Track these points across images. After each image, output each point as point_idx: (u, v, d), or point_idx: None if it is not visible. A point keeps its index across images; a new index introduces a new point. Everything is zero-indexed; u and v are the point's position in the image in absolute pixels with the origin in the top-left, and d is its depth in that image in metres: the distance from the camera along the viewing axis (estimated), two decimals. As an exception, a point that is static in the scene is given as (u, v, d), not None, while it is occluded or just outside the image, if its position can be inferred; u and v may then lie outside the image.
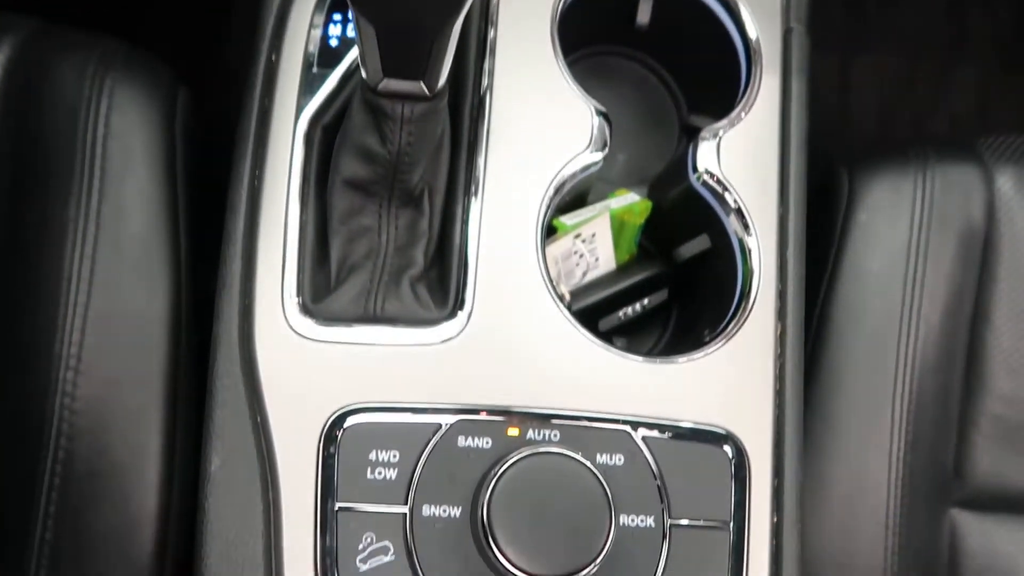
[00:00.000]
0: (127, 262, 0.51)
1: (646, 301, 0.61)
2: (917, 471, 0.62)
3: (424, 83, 0.45)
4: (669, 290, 0.62)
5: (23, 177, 0.53)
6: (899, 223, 0.64)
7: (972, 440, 0.66)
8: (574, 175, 0.52)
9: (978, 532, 0.66)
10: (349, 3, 0.41)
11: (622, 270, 0.60)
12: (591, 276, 0.59)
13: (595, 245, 0.58)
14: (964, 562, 0.66)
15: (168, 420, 0.50)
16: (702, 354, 0.50)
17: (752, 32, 0.58)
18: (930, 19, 1.08)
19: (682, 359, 0.50)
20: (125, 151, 0.53)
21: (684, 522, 0.46)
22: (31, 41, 0.55)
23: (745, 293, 0.52)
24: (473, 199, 0.50)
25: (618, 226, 0.59)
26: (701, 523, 0.47)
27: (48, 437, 0.49)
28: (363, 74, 0.45)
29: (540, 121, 0.53)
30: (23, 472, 0.49)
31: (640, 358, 0.49)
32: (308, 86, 0.51)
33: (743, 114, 0.55)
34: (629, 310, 0.61)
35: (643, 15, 0.63)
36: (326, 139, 0.51)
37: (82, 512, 0.49)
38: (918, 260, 0.64)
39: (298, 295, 0.47)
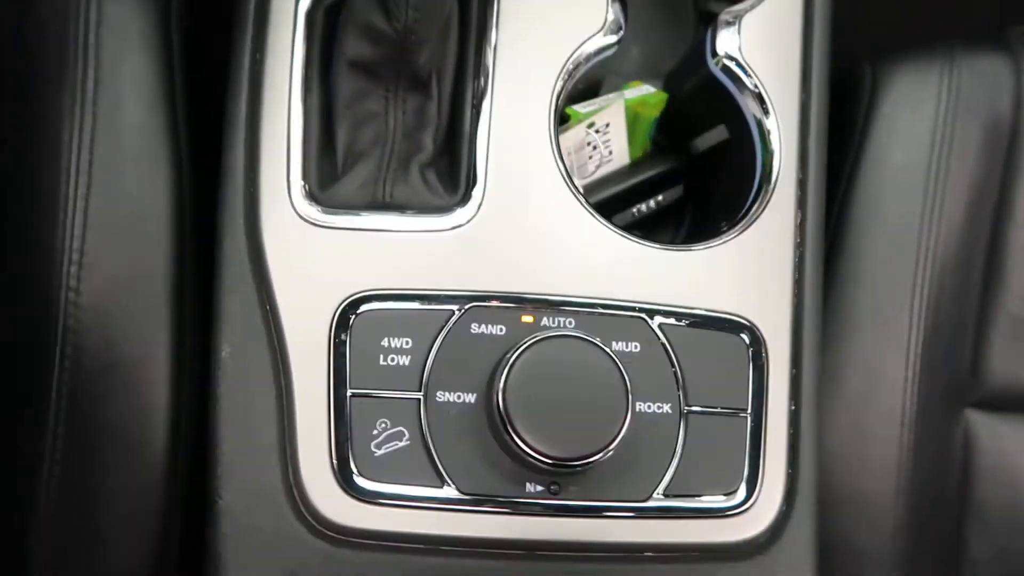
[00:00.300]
0: (127, 153, 0.50)
1: (660, 197, 0.59)
2: (933, 370, 0.62)
3: None
4: (684, 186, 0.60)
5: (14, 71, 0.51)
6: (923, 114, 0.62)
7: (989, 339, 0.65)
8: (588, 58, 0.50)
9: (992, 433, 0.66)
10: None
11: (636, 165, 0.59)
12: (604, 170, 0.57)
13: (609, 136, 0.56)
14: (977, 461, 0.65)
15: (175, 313, 0.50)
16: (720, 242, 0.48)
17: None
18: None
19: (699, 247, 0.48)
20: (120, 38, 0.51)
21: (701, 409, 0.46)
22: None
23: (765, 180, 0.50)
24: (483, 83, 0.48)
25: (632, 118, 0.57)
26: (718, 410, 0.46)
27: (55, 333, 0.48)
28: None
29: (552, 3, 0.50)
30: (34, 367, 0.48)
31: (657, 245, 0.48)
32: None
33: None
34: (643, 206, 0.59)
35: None
36: (329, 20, 0.49)
37: (94, 406, 0.48)
38: (942, 153, 0.62)
39: (304, 181, 0.46)
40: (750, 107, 0.52)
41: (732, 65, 0.52)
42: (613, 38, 0.51)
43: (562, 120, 0.53)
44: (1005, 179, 0.64)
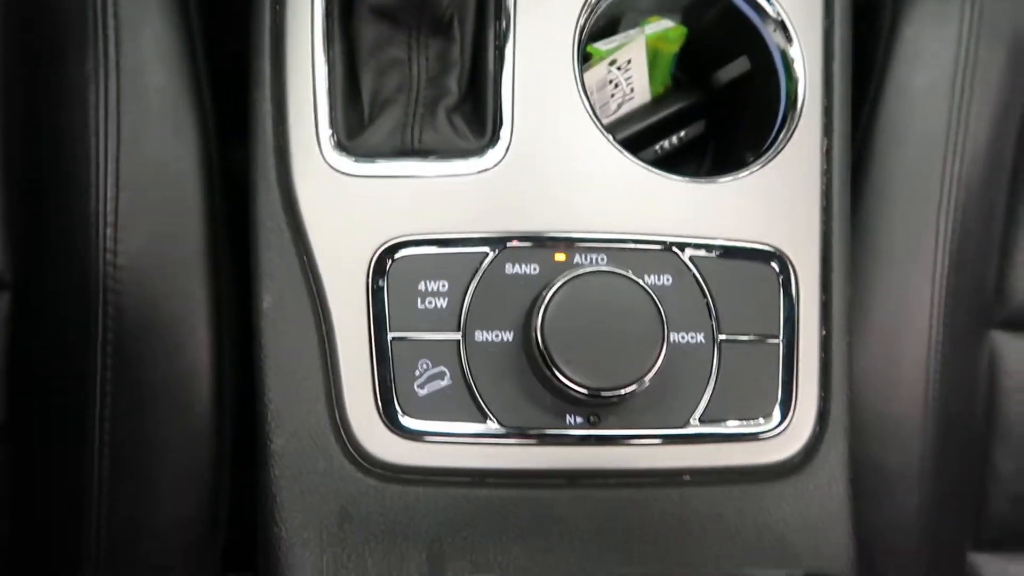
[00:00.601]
0: (153, 114, 0.50)
1: (683, 133, 0.59)
2: (959, 292, 0.62)
3: None
4: (706, 121, 0.60)
5: (36, 41, 0.51)
6: (946, 36, 0.61)
7: (1014, 259, 0.65)
8: None
9: (1017, 352, 0.67)
10: None
11: (657, 101, 0.58)
12: (626, 108, 0.57)
13: (631, 73, 0.56)
14: (1003, 381, 0.66)
15: (211, 271, 0.51)
16: (747, 172, 0.49)
17: None
18: None
19: (727, 178, 0.49)
20: (138, 2, 0.51)
21: (733, 337, 0.47)
22: None
23: (790, 108, 0.50)
24: (504, 23, 0.48)
25: (652, 55, 0.57)
26: (750, 337, 0.47)
27: (97, 295, 0.49)
28: None
29: None
30: (78, 329, 0.50)
31: (684, 178, 0.48)
32: None
33: None
34: (666, 143, 0.59)
35: None
36: None
37: (137, 365, 0.50)
38: (965, 75, 0.61)
39: (332, 132, 0.46)
40: (773, 36, 0.52)
41: None
42: None
43: (583, 59, 0.53)
44: None
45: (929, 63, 0.61)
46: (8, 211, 0.52)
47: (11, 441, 0.53)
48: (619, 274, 0.43)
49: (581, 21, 0.49)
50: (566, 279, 0.43)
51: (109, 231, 0.49)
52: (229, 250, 0.52)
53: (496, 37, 0.48)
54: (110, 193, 0.49)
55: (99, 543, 0.50)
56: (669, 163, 0.61)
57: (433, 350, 0.44)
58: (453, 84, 0.49)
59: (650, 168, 0.48)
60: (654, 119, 0.57)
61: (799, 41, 0.51)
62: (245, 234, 0.47)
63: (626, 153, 0.48)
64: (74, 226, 0.49)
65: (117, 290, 0.49)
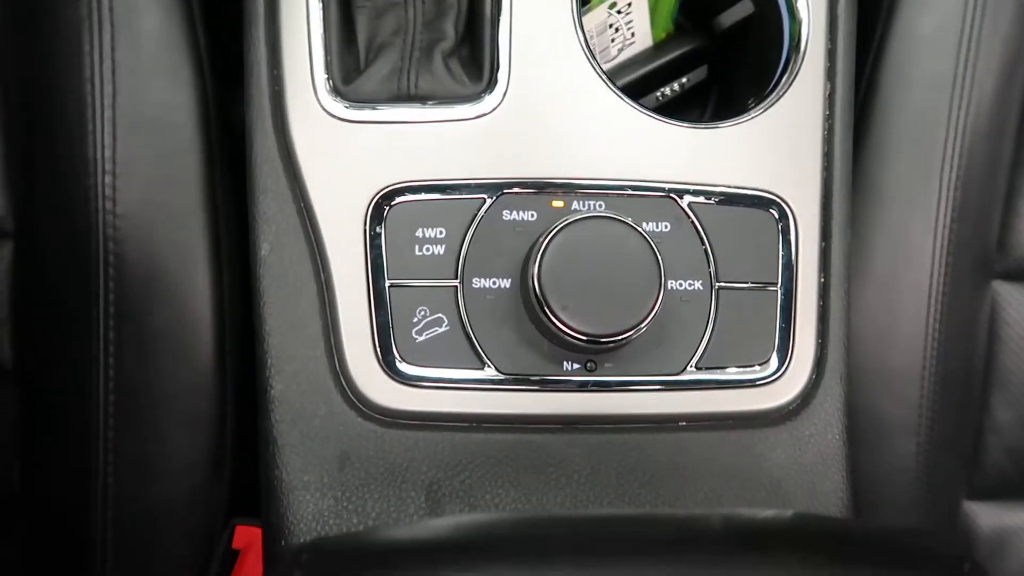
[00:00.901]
0: (147, 59, 0.49)
1: (685, 80, 0.58)
2: (962, 242, 0.62)
3: None
4: (709, 66, 0.59)
5: None
6: None
7: (1018, 210, 0.65)
8: None
9: (1018, 303, 0.67)
10: None
11: (659, 47, 0.57)
12: (627, 53, 0.56)
13: (631, 17, 0.55)
14: (1003, 332, 0.66)
15: (210, 218, 0.51)
16: (748, 118, 0.48)
17: None
18: None
19: (727, 124, 0.48)
20: None
21: (732, 284, 0.47)
22: None
23: (793, 51, 0.49)
24: None
25: (654, -2, 0.56)
26: (749, 285, 0.47)
27: (97, 243, 0.49)
28: None
29: None
30: (79, 278, 0.50)
31: (685, 124, 0.47)
32: None
33: None
34: (667, 90, 0.58)
35: None
36: None
37: (140, 314, 0.50)
38: (974, 21, 0.60)
39: (328, 76, 0.46)
40: None
41: None
42: None
43: (583, 2, 0.52)
44: None
45: (937, 7, 0.60)
46: (7, 159, 0.52)
47: (19, 386, 0.54)
48: (617, 220, 0.43)
49: None
50: (563, 225, 0.43)
51: (107, 179, 0.49)
52: (229, 198, 0.52)
53: None
54: (107, 140, 0.49)
55: (106, 485, 0.51)
56: (671, 110, 0.60)
57: (431, 297, 0.44)
58: (450, 28, 0.48)
59: (650, 114, 0.47)
60: (655, 64, 0.56)
61: None
62: (244, 182, 0.47)
63: (626, 99, 0.48)
64: (73, 174, 0.49)
65: (117, 239, 0.49)
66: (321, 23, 0.46)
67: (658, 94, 0.59)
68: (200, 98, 0.50)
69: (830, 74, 0.50)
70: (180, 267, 0.51)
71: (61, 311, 0.51)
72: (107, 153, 0.49)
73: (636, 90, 0.57)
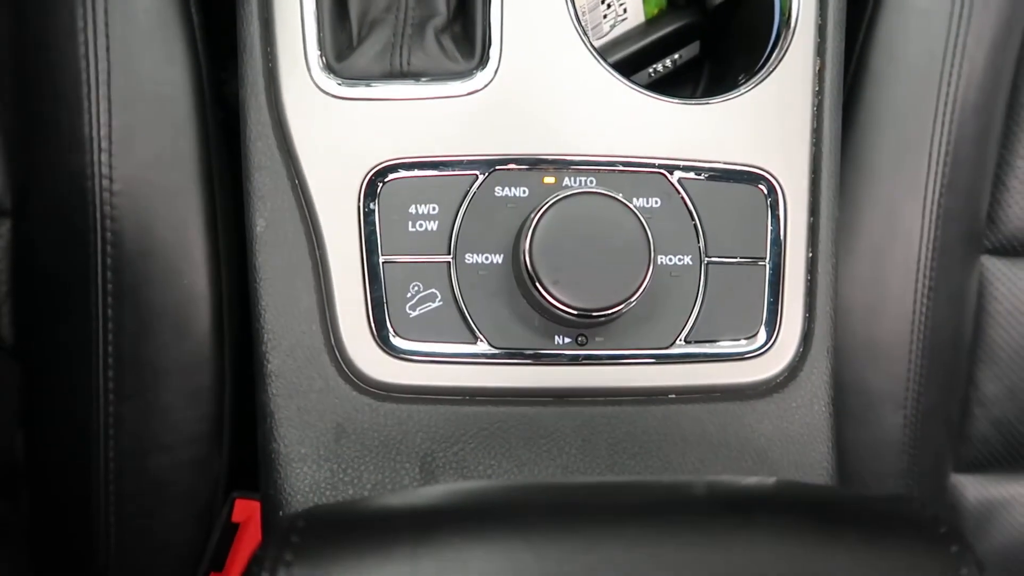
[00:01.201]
0: (142, 36, 0.50)
1: (677, 56, 0.59)
2: (951, 216, 0.62)
3: None
4: (701, 42, 0.59)
5: None
6: None
7: (1008, 184, 0.65)
8: None
9: (1007, 278, 0.67)
10: None
11: (651, 23, 0.58)
12: (619, 30, 0.57)
13: (623, -7, 0.55)
14: (991, 306, 0.67)
15: (206, 195, 0.51)
16: (738, 94, 0.48)
17: None
18: None
19: (717, 100, 0.48)
20: None
21: (721, 259, 0.47)
22: None
23: (784, 26, 0.49)
24: None
25: (646, -27, 0.56)
26: (737, 260, 0.48)
27: (94, 220, 0.50)
28: None
29: None
30: (77, 255, 0.50)
31: (676, 100, 0.48)
32: None
33: None
34: (660, 66, 0.59)
35: None
36: None
37: (138, 290, 0.51)
38: None
39: (320, 53, 0.46)
40: None
41: None
42: None
43: (575, -23, 0.52)
44: None
45: None
46: (3, 137, 0.52)
47: (20, 361, 0.54)
48: (607, 196, 0.43)
49: None
50: (554, 201, 0.43)
51: (103, 156, 0.49)
52: (224, 173, 0.52)
53: None
54: (103, 119, 0.49)
55: (107, 457, 0.52)
56: (663, 86, 0.61)
57: (424, 272, 0.45)
58: (441, 4, 0.48)
59: (640, 90, 0.48)
60: (648, 41, 0.57)
61: None
62: (239, 158, 0.48)
63: (617, 75, 0.48)
64: (70, 151, 0.50)
65: (114, 216, 0.50)
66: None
67: (650, 70, 0.59)
68: (194, 74, 0.50)
69: (820, 50, 0.50)
70: (177, 242, 0.51)
71: (60, 287, 0.52)
72: (103, 131, 0.49)
73: (628, 66, 0.58)
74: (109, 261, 0.50)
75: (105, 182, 0.49)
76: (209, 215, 0.51)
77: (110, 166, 0.49)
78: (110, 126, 0.49)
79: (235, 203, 0.49)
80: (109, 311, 0.51)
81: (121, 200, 0.50)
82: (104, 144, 0.49)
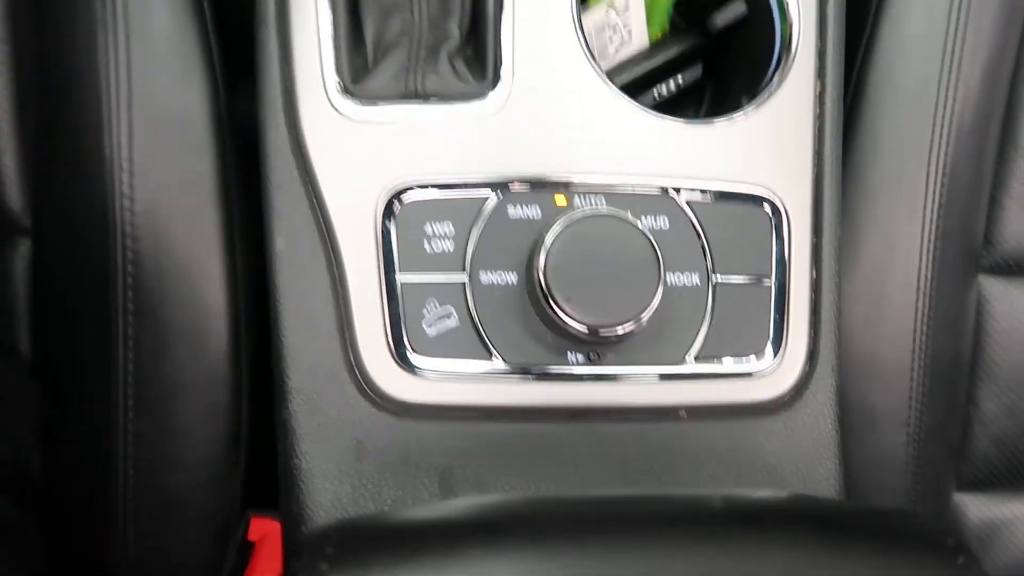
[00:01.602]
0: (162, 59, 0.51)
1: (680, 79, 0.60)
2: (949, 237, 0.64)
3: None
4: (703, 65, 0.61)
5: None
6: None
7: (1003, 204, 0.67)
8: None
9: (1004, 297, 0.68)
10: None
11: (655, 46, 0.59)
12: (623, 53, 0.58)
13: (628, 17, 0.56)
14: (989, 325, 0.68)
15: (224, 215, 0.52)
16: (742, 114, 0.50)
17: None
18: None
19: (722, 120, 0.50)
20: None
21: (728, 279, 0.48)
22: None
23: (784, 50, 0.51)
24: None
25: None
26: (744, 279, 0.49)
27: (115, 240, 0.50)
28: None
29: None
30: (98, 275, 0.51)
31: (681, 120, 0.49)
32: None
33: None
34: (664, 89, 0.60)
35: None
36: None
37: (157, 309, 0.51)
38: (959, 20, 0.62)
39: (338, 76, 0.47)
40: None
41: None
42: None
43: (581, 1, 0.53)
44: (1022, 45, 0.64)
45: (923, 7, 0.62)
46: (23, 156, 0.53)
47: (38, 378, 0.55)
48: (618, 217, 0.45)
49: None
50: (567, 223, 0.44)
51: (124, 177, 0.50)
52: (239, 193, 0.53)
53: None
54: (124, 140, 0.50)
55: (125, 475, 0.52)
56: (667, 108, 0.62)
57: (441, 291, 0.46)
58: (454, 28, 0.50)
59: (647, 110, 0.49)
60: (652, 64, 0.58)
61: None
62: (256, 178, 0.49)
63: (625, 97, 0.49)
64: (90, 171, 0.51)
65: (135, 236, 0.51)
66: (331, 23, 0.48)
67: (655, 93, 0.60)
68: (212, 96, 0.52)
69: (820, 73, 0.51)
70: (195, 263, 0.52)
71: (80, 306, 0.53)
72: (124, 152, 0.50)
73: (634, 89, 0.59)
74: (130, 281, 0.51)
75: (127, 202, 0.50)
76: (227, 235, 0.52)
77: (131, 186, 0.50)
78: (131, 147, 0.50)
79: (251, 222, 0.50)
80: (129, 329, 0.51)
81: (142, 220, 0.51)
82: (125, 165, 0.50)
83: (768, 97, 0.50)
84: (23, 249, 0.54)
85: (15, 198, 0.54)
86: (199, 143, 0.51)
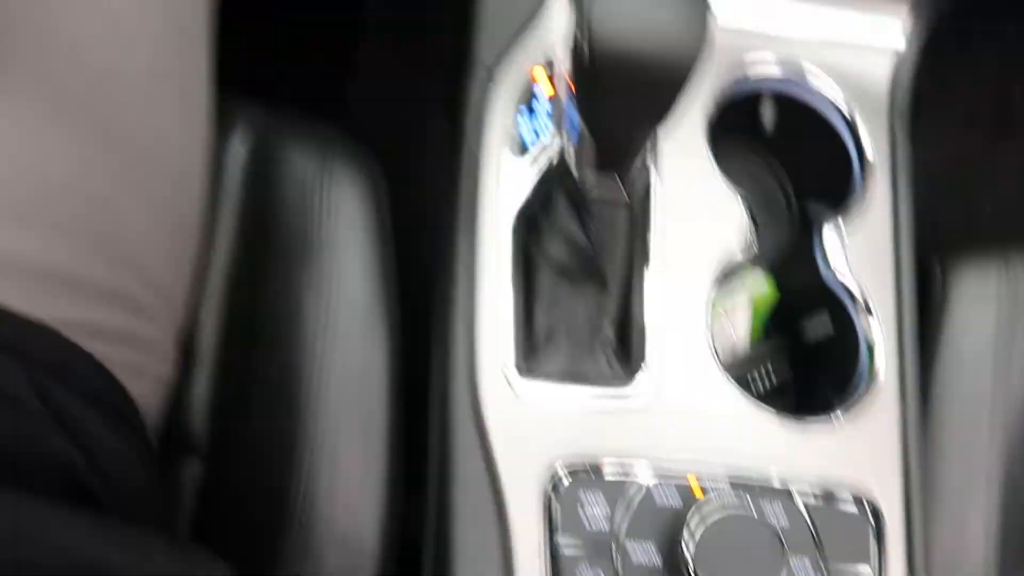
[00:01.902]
0: (354, 319, 0.59)
1: (773, 376, 0.70)
2: (1010, 530, 0.71)
3: (621, 181, 0.54)
4: (790, 364, 0.71)
5: (262, 252, 0.62)
6: (986, 314, 0.74)
7: None
8: (731, 269, 0.62)
9: None
10: (580, 117, 0.50)
11: (754, 347, 0.69)
12: (729, 352, 0.68)
13: (736, 321, 0.67)
14: None
15: (390, 472, 0.58)
16: (841, 420, 0.59)
17: (866, 143, 0.67)
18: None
19: (824, 422, 0.59)
20: (347, 226, 0.62)
21: (835, 566, 0.55)
22: (264, 133, 0.63)
23: (871, 379, 0.60)
24: (647, 281, 0.59)
25: (754, 312, 0.68)
26: (848, 567, 0.55)
27: (297, 480, 0.56)
28: (574, 174, 0.54)
29: (697, 216, 0.62)
30: (273, 507, 0.56)
31: (793, 418, 0.58)
32: (507, 176, 0.60)
33: (859, 214, 0.64)
34: (760, 385, 0.69)
35: (768, 123, 0.73)
36: (522, 225, 0.60)
37: (317, 551, 0.56)
38: (1005, 345, 0.73)
39: (516, 360, 0.56)
40: (860, 319, 0.63)
41: (843, 278, 0.63)
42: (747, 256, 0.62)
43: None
44: None
45: (974, 336, 0.73)
46: (217, 402, 0.60)
47: None
48: (755, 520, 0.52)
49: (710, 288, 0.60)
50: (707, 514, 0.51)
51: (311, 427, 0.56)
52: (402, 433, 0.60)
53: (639, 293, 0.59)
54: (316, 390, 0.57)
55: None
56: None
57: (595, 560, 0.52)
58: (607, 326, 0.59)
59: (767, 408, 0.58)
60: (753, 364, 0.68)
61: (879, 320, 0.63)
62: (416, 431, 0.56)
63: (748, 397, 0.58)
64: (282, 412, 0.57)
65: (311, 474, 0.56)
66: (514, 314, 0.57)
67: (749, 381, 0.70)
68: (392, 354, 0.60)
69: (902, 395, 0.61)
70: (349, 504, 0.57)
71: (250, 535, 0.57)
72: (320, 406, 0.57)
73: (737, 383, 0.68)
74: (303, 519, 0.56)
75: (309, 455, 0.56)
76: (389, 488, 0.58)
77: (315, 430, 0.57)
78: (319, 399, 0.57)
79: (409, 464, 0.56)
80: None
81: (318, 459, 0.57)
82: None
83: (858, 415, 0.59)
84: (194, 470, 0.59)
85: (198, 424, 0.60)
86: (375, 407, 0.58)
